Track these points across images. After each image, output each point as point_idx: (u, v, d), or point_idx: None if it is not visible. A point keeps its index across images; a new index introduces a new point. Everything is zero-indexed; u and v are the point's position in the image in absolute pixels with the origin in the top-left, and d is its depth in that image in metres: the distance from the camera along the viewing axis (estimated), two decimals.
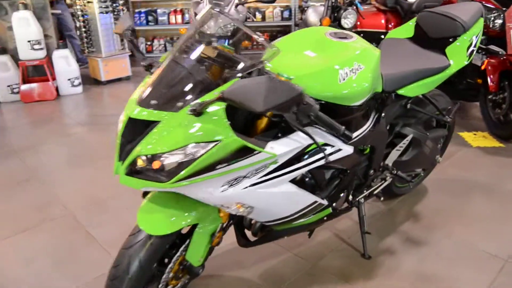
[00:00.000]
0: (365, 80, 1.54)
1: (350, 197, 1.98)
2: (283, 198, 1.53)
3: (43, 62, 4.88)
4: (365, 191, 2.07)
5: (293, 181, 1.56)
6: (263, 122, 1.47)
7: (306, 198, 1.62)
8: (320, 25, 3.65)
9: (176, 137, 1.26)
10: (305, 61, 1.54)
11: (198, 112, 1.26)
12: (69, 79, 5.08)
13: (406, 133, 2.09)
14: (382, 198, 2.27)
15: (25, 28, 4.71)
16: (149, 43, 7.06)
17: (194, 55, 1.40)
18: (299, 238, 2.23)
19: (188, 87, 1.33)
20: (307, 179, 1.65)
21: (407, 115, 2.15)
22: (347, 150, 1.63)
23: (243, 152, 1.31)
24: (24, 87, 4.86)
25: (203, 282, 2.00)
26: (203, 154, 1.26)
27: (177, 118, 1.28)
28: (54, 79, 5.05)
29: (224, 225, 1.65)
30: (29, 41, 4.73)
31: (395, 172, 2.12)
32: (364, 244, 2.14)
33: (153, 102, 1.30)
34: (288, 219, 1.65)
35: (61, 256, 2.22)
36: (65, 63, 5.05)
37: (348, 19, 3.63)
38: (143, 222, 1.45)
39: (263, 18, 6.86)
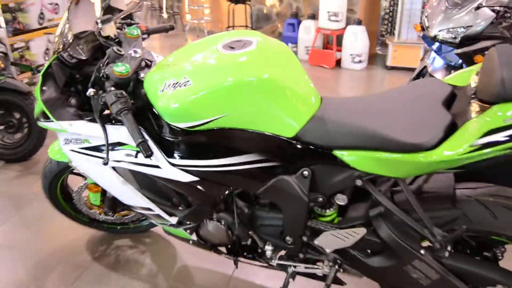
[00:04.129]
0: (181, 99, 1.25)
1: (269, 253, 1.59)
2: (110, 181, 1.55)
3: (334, 33, 5.33)
4: (289, 259, 1.59)
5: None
6: None
7: (135, 197, 1.54)
8: None
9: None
10: (174, 62, 1.39)
11: (38, 71, 1.53)
12: (351, 54, 5.34)
13: (374, 225, 1.38)
14: None
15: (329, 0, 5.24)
16: None
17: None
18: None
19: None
20: (146, 181, 1.54)
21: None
22: (175, 175, 1.39)
23: (47, 116, 1.48)
24: (313, 51, 5.54)
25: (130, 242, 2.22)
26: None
27: None
28: (339, 50, 5.45)
29: None
30: (328, 12, 5.26)
31: (334, 262, 1.49)
32: None
33: None
34: (134, 210, 1.64)
35: None
36: (353, 38, 5.30)
37: None
38: (53, 144, 1.85)
39: None
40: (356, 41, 5.29)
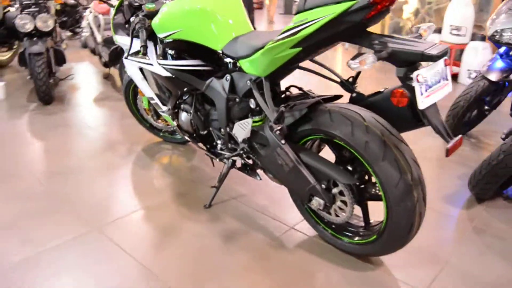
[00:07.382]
0: (159, 18, 2.07)
1: (219, 146, 2.22)
2: (137, 78, 2.45)
3: (454, 47, 5.29)
4: (224, 149, 2.18)
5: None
6: None
7: (147, 90, 2.38)
8: None
9: None
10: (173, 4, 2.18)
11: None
12: (468, 70, 5.21)
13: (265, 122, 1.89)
14: None
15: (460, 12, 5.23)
16: None
17: None
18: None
19: None
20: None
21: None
22: (159, 70, 2.17)
23: None
24: None
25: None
26: None
27: None
28: (456, 65, 5.36)
29: None
30: (450, 26, 5.26)
31: (243, 150, 2.03)
32: (212, 197, 2.30)
33: None
34: (153, 101, 2.48)
35: None
36: (474, 54, 5.16)
37: None
38: None
39: None
40: (476, 57, 5.15)
